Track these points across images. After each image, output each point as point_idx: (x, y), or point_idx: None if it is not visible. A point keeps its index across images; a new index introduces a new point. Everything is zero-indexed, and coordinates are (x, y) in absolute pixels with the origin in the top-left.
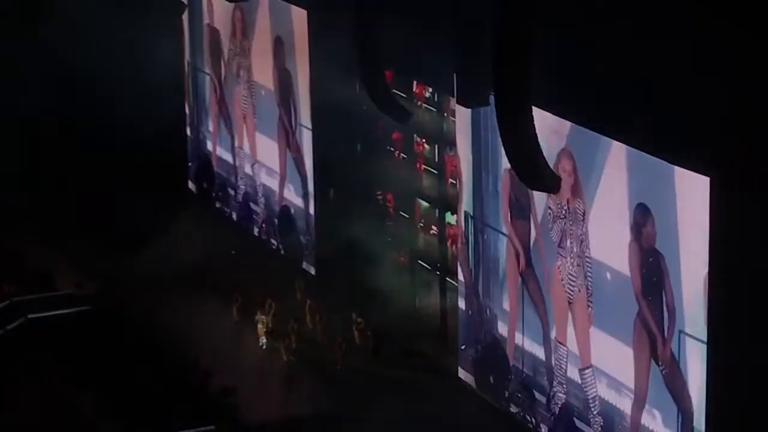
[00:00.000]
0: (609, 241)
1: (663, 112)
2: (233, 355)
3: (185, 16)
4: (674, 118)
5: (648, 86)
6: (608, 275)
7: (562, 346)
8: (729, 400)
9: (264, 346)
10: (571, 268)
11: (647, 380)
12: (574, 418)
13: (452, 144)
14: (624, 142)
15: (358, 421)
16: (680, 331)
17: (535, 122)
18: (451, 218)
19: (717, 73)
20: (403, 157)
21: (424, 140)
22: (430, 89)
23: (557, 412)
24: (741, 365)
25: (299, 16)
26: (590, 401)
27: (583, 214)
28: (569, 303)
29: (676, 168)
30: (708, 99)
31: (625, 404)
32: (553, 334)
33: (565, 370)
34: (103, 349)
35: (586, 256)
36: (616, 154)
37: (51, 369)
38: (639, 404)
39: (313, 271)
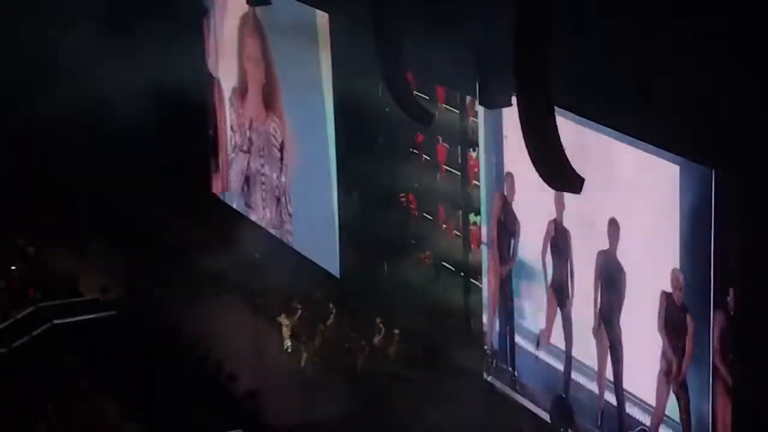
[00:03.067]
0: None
1: (670, 107)
2: (258, 359)
3: (207, 20)
4: (680, 114)
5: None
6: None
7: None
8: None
9: (289, 349)
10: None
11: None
12: None
13: (475, 145)
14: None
15: (383, 424)
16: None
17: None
18: (476, 219)
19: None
20: (426, 158)
21: (446, 142)
22: (452, 90)
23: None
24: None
25: (321, 19)
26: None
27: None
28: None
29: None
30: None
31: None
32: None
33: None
34: (129, 353)
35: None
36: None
37: (77, 374)
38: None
39: (337, 274)
